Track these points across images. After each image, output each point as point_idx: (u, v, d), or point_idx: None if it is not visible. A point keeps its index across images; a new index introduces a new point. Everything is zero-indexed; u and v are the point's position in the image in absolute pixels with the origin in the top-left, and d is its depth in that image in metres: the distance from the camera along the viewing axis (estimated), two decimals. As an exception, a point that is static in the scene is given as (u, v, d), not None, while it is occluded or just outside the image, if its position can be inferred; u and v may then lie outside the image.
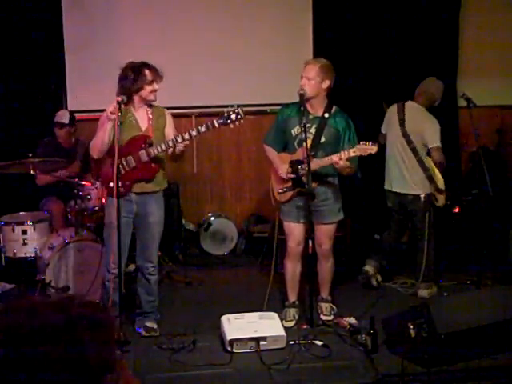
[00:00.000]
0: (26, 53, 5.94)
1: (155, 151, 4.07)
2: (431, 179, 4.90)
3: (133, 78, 4.06)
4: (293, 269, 4.52)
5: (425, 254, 5.00)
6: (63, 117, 5.45)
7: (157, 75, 4.10)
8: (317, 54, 6.28)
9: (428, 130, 4.90)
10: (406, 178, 4.98)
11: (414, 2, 6.30)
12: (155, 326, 4.33)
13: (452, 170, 6.04)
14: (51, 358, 1.15)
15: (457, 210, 5.50)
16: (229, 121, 4.01)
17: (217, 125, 4.01)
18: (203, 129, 4.00)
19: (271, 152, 4.49)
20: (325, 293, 4.61)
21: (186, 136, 4.01)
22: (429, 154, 4.90)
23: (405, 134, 4.93)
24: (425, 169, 4.89)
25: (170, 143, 4.04)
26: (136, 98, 4.13)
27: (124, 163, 4.08)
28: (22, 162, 4.76)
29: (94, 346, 1.20)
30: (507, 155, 6.53)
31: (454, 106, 6.41)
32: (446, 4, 6.38)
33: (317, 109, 4.31)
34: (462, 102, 5.25)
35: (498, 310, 3.86)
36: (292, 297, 4.58)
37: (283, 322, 4.30)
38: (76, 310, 1.22)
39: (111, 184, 4.03)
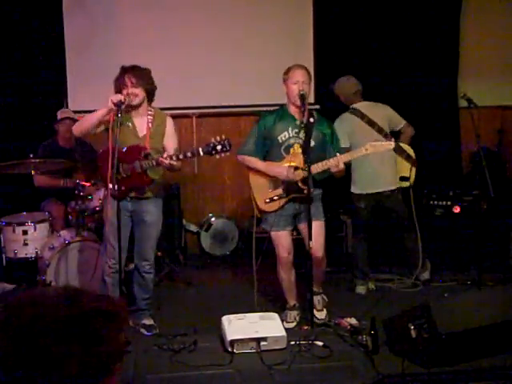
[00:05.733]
0: (26, 53, 5.94)
1: (148, 164, 4.09)
2: None
3: (116, 80, 4.14)
4: (288, 277, 4.51)
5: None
6: (67, 112, 5.51)
7: (131, 80, 4.07)
8: (318, 54, 6.29)
9: None
10: None
11: (415, 2, 6.30)
12: (153, 322, 4.40)
13: (453, 171, 6.05)
14: (64, 352, 1.13)
15: (457, 210, 5.49)
16: (214, 151, 4.04)
17: (201, 153, 4.05)
18: (189, 154, 4.06)
19: (254, 160, 4.39)
20: (317, 287, 4.57)
21: (174, 158, 4.05)
22: None
23: None
24: None
25: (158, 161, 4.06)
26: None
27: (121, 170, 4.08)
28: (23, 163, 4.76)
29: (109, 339, 1.20)
30: (508, 156, 6.52)
31: (455, 107, 6.41)
32: (447, 4, 6.38)
33: (301, 114, 4.30)
34: (463, 103, 5.24)
35: (499, 310, 3.85)
36: (291, 300, 4.57)
37: (284, 323, 4.29)
38: (89, 305, 1.20)
39: (110, 185, 4.08)
